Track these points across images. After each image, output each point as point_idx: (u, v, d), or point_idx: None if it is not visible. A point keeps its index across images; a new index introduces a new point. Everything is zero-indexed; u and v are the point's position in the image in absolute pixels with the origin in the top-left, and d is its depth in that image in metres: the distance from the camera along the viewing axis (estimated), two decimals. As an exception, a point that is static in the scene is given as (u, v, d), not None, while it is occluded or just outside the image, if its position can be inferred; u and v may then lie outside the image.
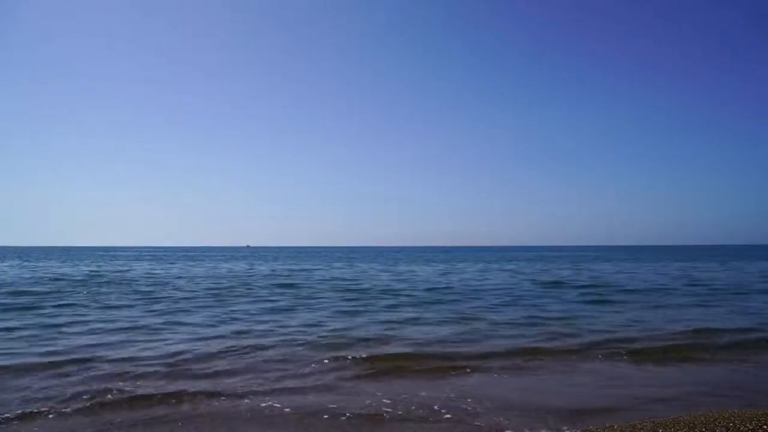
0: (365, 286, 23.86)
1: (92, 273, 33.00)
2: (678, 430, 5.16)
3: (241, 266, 44.61)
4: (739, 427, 5.19)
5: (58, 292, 20.25)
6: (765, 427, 5.21)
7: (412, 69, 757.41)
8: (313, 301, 17.33)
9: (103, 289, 21.44)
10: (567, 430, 5.33)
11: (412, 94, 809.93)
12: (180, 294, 19.73)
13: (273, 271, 37.24)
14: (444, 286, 23.95)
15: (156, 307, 15.74)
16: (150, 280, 27.44)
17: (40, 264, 46.36)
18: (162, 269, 38.68)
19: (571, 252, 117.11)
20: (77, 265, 45.25)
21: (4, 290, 20.66)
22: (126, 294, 19.70)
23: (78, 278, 28.13)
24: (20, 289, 21.36)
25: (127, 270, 37.00)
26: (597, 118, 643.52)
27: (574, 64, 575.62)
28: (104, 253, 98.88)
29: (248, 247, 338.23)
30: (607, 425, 5.39)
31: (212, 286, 23.67)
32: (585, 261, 56.07)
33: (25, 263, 48.45)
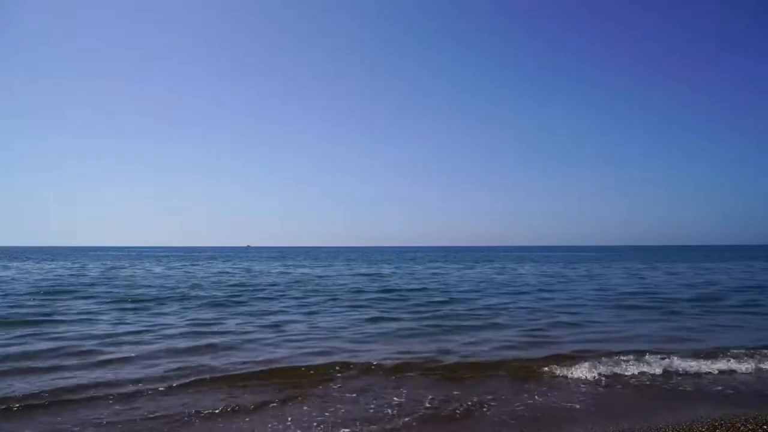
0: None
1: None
2: None
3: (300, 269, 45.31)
4: (739, 428, 5.59)
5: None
6: (765, 427, 5.60)
7: (413, 69, 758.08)
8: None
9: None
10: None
11: (413, 94, 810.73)
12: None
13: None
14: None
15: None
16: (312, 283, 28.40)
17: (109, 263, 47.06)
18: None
19: (588, 252, 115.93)
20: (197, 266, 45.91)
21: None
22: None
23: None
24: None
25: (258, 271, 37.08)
26: (596, 118, 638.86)
27: (574, 64, 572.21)
28: (117, 253, 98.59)
29: (248, 247, 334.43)
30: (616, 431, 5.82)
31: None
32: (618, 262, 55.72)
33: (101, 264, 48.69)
